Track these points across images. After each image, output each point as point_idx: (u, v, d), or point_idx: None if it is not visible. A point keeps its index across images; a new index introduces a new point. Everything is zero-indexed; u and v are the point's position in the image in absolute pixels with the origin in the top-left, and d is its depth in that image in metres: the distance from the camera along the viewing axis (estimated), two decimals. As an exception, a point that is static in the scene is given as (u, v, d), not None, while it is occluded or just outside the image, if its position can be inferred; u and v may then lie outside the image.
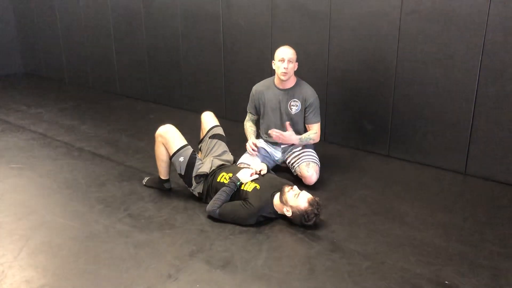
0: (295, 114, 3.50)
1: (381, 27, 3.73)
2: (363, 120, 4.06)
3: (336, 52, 4.05)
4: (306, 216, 2.76)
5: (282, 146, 3.62)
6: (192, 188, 3.16)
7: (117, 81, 6.26)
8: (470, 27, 3.32)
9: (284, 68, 3.35)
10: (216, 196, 2.94)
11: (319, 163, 3.51)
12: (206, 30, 4.99)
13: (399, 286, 2.30)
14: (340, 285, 2.32)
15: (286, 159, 3.62)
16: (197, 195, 3.17)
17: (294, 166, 3.49)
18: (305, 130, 3.59)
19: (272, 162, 3.65)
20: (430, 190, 3.38)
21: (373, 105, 3.96)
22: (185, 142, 3.18)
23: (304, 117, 3.53)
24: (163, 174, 3.31)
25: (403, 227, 2.87)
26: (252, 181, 2.99)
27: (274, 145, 3.65)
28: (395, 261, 2.51)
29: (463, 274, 2.39)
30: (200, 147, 3.45)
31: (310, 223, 2.79)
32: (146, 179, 3.48)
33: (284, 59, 3.35)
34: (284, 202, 2.83)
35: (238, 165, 3.34)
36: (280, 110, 3.53)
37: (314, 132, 3.53)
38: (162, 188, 3.36)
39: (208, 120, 3.49)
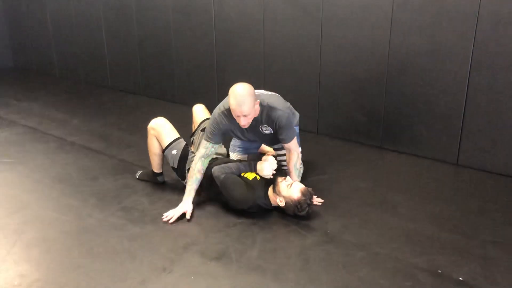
0: (270, 134, 3.00)
1: (373, 18, 3.73)
2: (356, 111, 4.07)
3: (328, 44, 4.05)
4: (299, 206, 2.77)
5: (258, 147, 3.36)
6: (185, 181, 3.16)
7: (108, 74, 6.22)
8: (461, 18, 3.33)
9: (243, 125, 2.80)
10: (229, 164, 2.97)
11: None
12: (198, 23, 4.96)
13: (393, 276, 2.32)
14: (334, 275, 2.34)
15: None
16: (190, 188, 3.16)
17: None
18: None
19: (255, 150, 3.36)
20: (423, 181, 3.40)
21: (365, 97, 3.97)
22: (177, 135, 3.17)
23: (278, 138, 3.01)
24: (156, 168, 3.30)
25: (396, 217, 2.89)
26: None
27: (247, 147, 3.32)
28: (389, 251, 2.53)
29: (456, 263, 2.42)
30: (192, 140, 3.44)
31: (303, 213, 2.80)
32: (139, 172, 3.47)
33: (239, 116, 2.75)
34: (277, 192, 2.84)
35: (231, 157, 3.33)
36: (254, 136, 3.06)
37: (295, 157, 3.06)
38: (155, 182, 3.35)
39: (200, 113, 3.48)
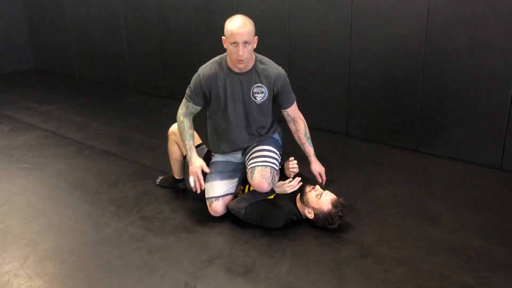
0: (263, 103, 2.72)
1: (408, 9, 3.46)
2: (388, 112, 3.81)
3: (359, 39, 3.80)
4: (329, 219, 2.55)
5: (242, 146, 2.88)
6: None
7: (129, 76, 6.08)
8: (507, 9, 3.05)
9: (240, 55, 2.53)
10: (244, 195, 2.73)
11: (276, 166, 2.75)
12: (220, 22, 4.75)
13: (440, 296, 2.08)
14: (374, 295, 2.11)
15: (246, 161, 2.84)
16: (214, 195, 2.97)
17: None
18: (273, 120, 2.87)
19: (232, 173, 2.87)
20: (464, 188, 3.13)
21: (399, 96, 3.71)
22: (199, 141, 2.99)
23: (278, 102, 2.78)
24: (177, 173, 3.12)
25: (439, 228, 2.63)
26: None
27: (230, 152, 2.90)
28: (433, 267, 2.28)
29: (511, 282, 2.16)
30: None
31: (334, 226, 2.58)
32: (159, 178, 3.29)
33: (238, 42, 2.51)
34: (306, 203, 2.63)
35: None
36: (243, 100, 2.71)
37: (303, 125, 2.87)
38: (177, 188, 3.17)
39: None
